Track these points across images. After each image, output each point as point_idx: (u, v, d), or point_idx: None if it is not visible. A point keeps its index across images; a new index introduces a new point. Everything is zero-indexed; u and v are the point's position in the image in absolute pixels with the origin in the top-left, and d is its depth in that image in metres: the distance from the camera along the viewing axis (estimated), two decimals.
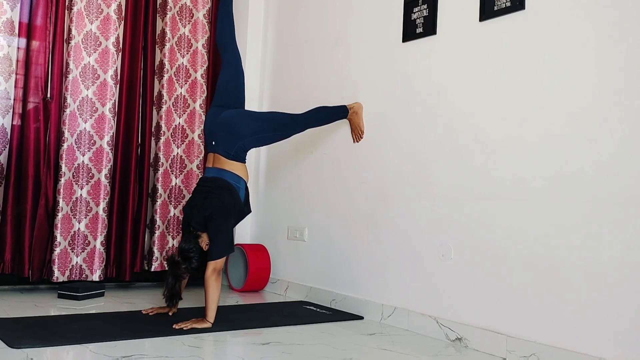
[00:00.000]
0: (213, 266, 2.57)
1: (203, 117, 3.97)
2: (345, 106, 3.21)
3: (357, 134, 3.22)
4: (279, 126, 2.98)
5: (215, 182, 2.71)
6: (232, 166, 2.75)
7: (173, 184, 3.85)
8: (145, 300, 3.22)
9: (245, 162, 2.83)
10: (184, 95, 3.93)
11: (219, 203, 2.62)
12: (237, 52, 3.00)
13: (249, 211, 2.83)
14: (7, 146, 3.32)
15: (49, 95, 3.44)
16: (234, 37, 3.03)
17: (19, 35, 3.37)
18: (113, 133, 3.61)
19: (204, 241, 2.64)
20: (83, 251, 3.47)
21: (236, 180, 2.73)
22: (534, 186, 2.31)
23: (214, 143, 2.79)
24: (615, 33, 2.11)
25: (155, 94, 3.85)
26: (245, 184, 2.79)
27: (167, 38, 3.85)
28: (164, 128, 3.82)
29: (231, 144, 2.76)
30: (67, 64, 3.48)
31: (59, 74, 3.47)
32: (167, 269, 2.70)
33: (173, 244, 3.81)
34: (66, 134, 3.46)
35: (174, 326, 2.47)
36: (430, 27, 2.85)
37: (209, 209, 2.61)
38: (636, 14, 2.05)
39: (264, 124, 2.93)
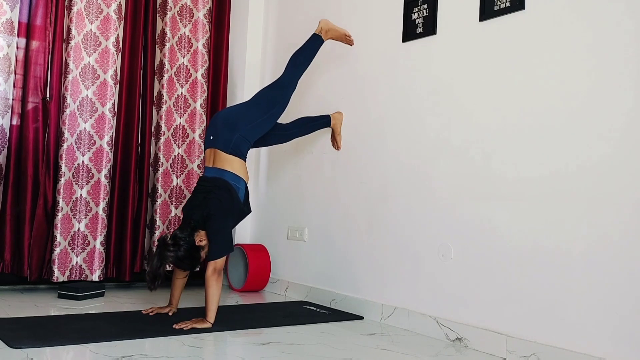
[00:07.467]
0: (213, 266, 2.56)
1: (204, 117, 3.97)
2: (328, 115, 3.32)
3: (337, 142, 3.33)
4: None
5: (214, 182, 2.70)
6: (232, 165, 2.74)
7: (174, 184, 3.84)
8: (145, 300, 3.22)
9: (245, 160, 2.82)
10: (185, 95, 3.92)
11: (217, 203, 2.62)
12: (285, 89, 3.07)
13: (249, 211, 2.83)
14: (6, 146, 3.31)
15: (48, 95, 3.43)
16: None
17: (19, 35, 3.37)
18: (113, 133, 3.61)
19: (199, 236, 2.62)
20: (83, 251, 3.47)
21: (236, 181, 2.73)
22: (534, 185, 2.31)
23: (212, 137, 2.79)
24: (612, 33, 2.11)
25: (155, 94, 3.85)
26: (245, 184, 2.79)
27: (167, 38, 3.84)
28: (164, 128, 3.82)
29: (229, 136, 2.75)
30: (67, 64, 3.47)
31: (58, 74, 3.47)
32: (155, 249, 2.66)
33: None
34: (66, 134, 3.45)
35: (174, 326, 2.47)
36: (430, 27, 2.85)
37: (207, 208, 2.61)
38: (632, 14, 2.05)
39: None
